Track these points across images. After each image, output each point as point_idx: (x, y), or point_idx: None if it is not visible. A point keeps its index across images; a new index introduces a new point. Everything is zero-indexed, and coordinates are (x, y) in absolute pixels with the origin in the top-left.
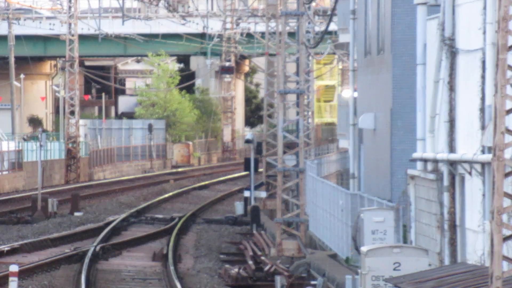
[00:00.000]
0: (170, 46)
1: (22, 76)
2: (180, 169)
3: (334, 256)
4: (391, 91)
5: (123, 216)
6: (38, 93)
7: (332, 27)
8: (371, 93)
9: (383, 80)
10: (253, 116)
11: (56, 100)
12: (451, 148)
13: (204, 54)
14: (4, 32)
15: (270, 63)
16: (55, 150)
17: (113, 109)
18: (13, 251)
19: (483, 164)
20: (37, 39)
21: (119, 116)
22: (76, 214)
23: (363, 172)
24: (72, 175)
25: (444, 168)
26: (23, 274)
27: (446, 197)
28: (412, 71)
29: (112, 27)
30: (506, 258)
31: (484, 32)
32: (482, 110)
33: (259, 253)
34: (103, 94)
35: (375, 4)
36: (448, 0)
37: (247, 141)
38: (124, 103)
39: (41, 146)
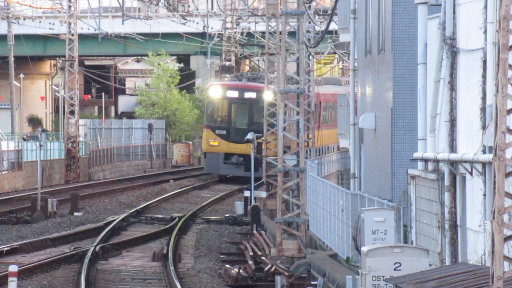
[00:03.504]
0: (170, 45)
1: (21, 75)
2: (180, 169)
3: (334, 256)
4: (392, 91)
5: (123, 216)
6: (37, 93)
7: (333, 26)
8: (371, 93)
9: (383, 80)
10: None
11: (55, 100)
12: (452, 148)
13: (204, 53)
14: (4, 32)
15: (270, 62)
16: (55, 150)
17: (113, 108)
18: (12, 251)
19: (484, 164)
20: (37, 38)
21: (119, 116)
22: (76, 214)
23: (364, 172)
24: (71, 175)
25: (445, 168)
26: (22, 274)
27: (447, 197)
28: (412, 71)
29: (112, 26)
30: (507, 258)
31: (485, 32)
32: (483, 109)
33: (259, 253)
34: (103, 94)
35: (375, 4)
36: (448, 0)
37: (247, 141)
38: (124, 102)
39: (40, 146)
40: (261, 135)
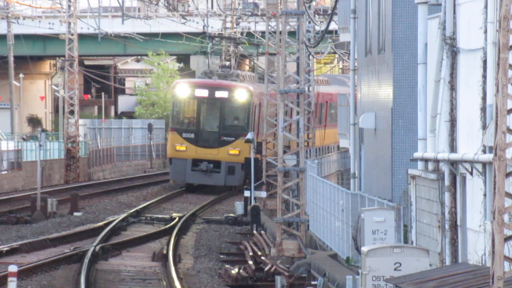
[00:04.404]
0: (170, 45)
1: (21, 75)
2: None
3: (334, 256)
4: (392, 91)
5: (122, 216)
6: (37, 93)
7: (333, 26)
8: (371, 93)
9: (383, 80)
10: None
11: (55, 100)
12: (452, 148)
13: (204, 53)
14: (3, 32)
15: (270, 62)
16: (55, 150)
17: (112, 108)
18: (12, 251)
19: (484, 164)
20: (37, 38)
21: (118, 116)
22: (76, 214)
23: (364, 171)
24: (71, 174)
25: (445, 168)
26: (22, 274)
27: (447, 197)
28: (413, 71)
29: (112, 26)
30: (507, 258)
31: (485, 31)
32: (483, 109)
33: (259, 253)
34: (103, 94)
35: (375, 3)
36: (449, 0)
37: (247, 141)
38: (124, 102)
39: (40, 145)
40: (233, 139)
